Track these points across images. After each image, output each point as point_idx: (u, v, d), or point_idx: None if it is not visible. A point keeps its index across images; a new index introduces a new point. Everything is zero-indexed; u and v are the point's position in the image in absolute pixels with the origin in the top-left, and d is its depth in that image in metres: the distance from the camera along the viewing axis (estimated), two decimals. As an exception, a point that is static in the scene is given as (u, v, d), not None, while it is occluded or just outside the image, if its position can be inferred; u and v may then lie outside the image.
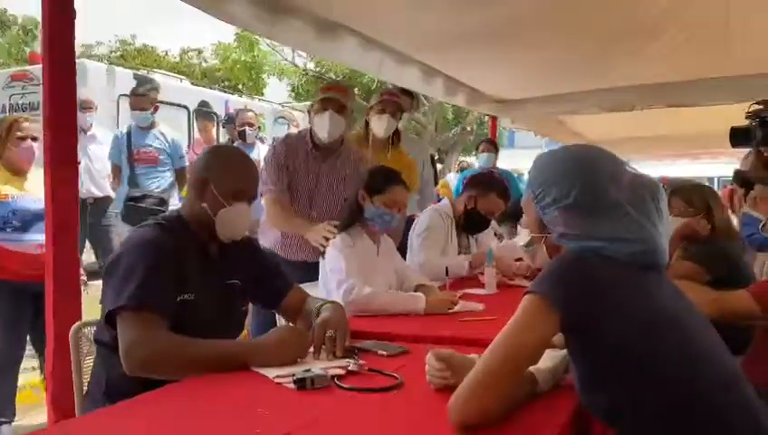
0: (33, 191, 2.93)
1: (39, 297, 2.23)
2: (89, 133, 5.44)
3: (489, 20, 3.43)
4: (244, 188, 1.86)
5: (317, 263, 2.57)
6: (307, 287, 2.69)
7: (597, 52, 4.20)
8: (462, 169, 9.48)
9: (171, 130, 5.25)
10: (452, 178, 9.18)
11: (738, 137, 3.09)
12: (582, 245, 1.25)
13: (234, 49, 12.18)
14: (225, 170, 1.85)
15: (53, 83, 2.09)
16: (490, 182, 3.33)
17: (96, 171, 5.41)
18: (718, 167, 13.44)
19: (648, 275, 1.24)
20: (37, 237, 2.85)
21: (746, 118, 3.14)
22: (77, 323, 1.90)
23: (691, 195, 2.60)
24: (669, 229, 1.29)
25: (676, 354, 1.17)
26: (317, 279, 2.54)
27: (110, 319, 1.67)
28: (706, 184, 3.71)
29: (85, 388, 1.86)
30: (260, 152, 5.15)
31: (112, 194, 5.29)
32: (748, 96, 4.81)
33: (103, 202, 5.37)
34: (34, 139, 3.02)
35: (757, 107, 3.08)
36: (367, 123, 3.55)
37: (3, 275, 2.98)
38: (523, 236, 1.27)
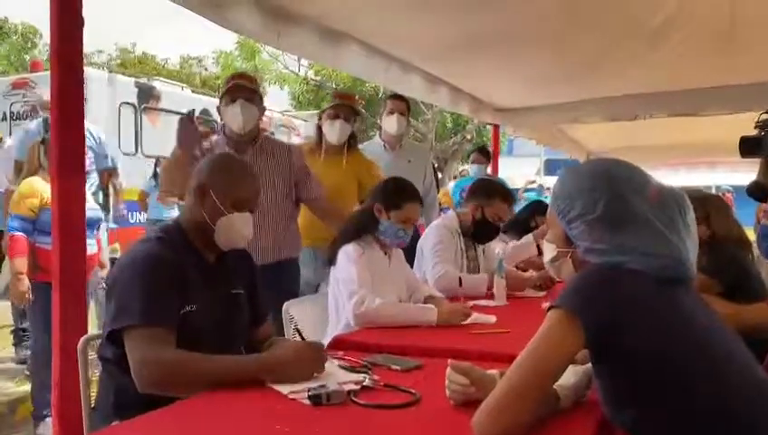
0: None
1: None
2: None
3: (491, 30, 3.43)
4: (244, 197, 1.85)
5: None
6: (306, 301, 2.69)
7: (599, 60, 4.20)
8: (462, 178, 9.46)
9: (97, 127, 4.91)
10: (453, 186, 9.18)
11: (748, 146, 3.06)
12: (608, 259, 1.24)
13: (234, 57, 12.20)
14: (226, 179, 1.83)
15: (61, 91, 2.06)
16: (492, 188, 3.31)
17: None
18: (717, 176, 13.47)
19: (675, 288, 1.22)
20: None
21: (755, 127, 3.11)
22: (85, 337, 1.87)
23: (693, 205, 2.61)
24: (696, 242, 1.27)
25: (705, 369, 1.15)
26: None
27: (112, 335, 1.65)
28: (710, 193, 3.71)
29: (93, 401, 1.84)
30: None
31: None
32: (750, 105, 4.85)
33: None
34: None
35: (766, 116, 3.06)
36: (319, 129, 3.37)
37: (46, 277, 2.97)
38: (548, 250, 1.24)
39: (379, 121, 3.55)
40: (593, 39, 3.73)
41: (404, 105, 3.89)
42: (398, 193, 2.54)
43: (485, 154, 5.64)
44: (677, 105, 5.30)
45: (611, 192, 1.25)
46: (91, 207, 3.61)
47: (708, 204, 2.64)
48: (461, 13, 3.18)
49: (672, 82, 4.85)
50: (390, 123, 3.71)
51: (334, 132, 3.28)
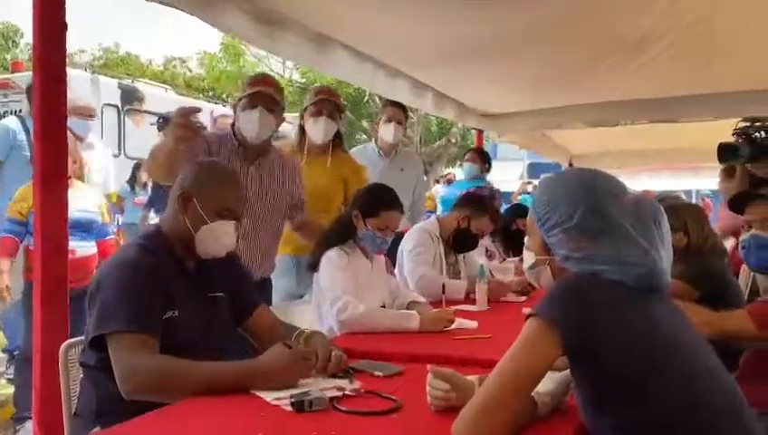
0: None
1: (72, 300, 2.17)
2: (86, 142, 5.15)
3: (476, 37, 3.47)
4: (229, 206, 1.84)
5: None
6: (297, 305, 2.69)
7: (583, 69, 4.26)
8: (449, 182, 9.48)
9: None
10: (438, 190, 9.21)
11: (726, 153, 3.13)
12: (585, 268, 1.26)
13: (219, 59, 12.14)
14: (210, 187, 1.83)
15: (44, 98, 2.06)
16: (484, 204, 3.35)
17: (93, 181, 5.29)
18: (697, 181, 13.67)
19: (650, 297, 1.25)
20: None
21: (733, 134, 3.18)
22: (66, 342, 1.87)
23: (669, 215, 2.65)
24: (671, 251, 1.30)
25: (679, 378, 1.18)
26: None
27: (95, 341, 1.65)
28: (688, 201, 3.78)
29: (74, 407, 1.83)
30: None
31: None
32: (729, 113, 4.97)
33: None
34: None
35: (744, 124, 3.13)
36: (302, 128, 3.16)
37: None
38: (527, 257, 1.26)
39: (365, 125, 3.49)
40: (578, 49, 3.79)
41: (402, 114, 3.89)
42: (377, 201, 2.54)
43: (482, 156, 5.48)
44: (658, 112, 5.39)
45: (589, 202, 1.28)
46: (87, 210, 3.62)
47: (685, 212, 2.68)
48: (448, 22, 3.21)
49: (653, 90, 4.94)
50: (387, 131, 3.70)
51: (318, 130, 3.05)
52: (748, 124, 3.13)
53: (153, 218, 5.41)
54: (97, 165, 5.24)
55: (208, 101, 11.03)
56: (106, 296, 1.66)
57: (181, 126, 2.12)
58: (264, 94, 2.54)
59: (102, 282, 1.69)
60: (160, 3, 2.48)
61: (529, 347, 1.19)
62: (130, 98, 8.22)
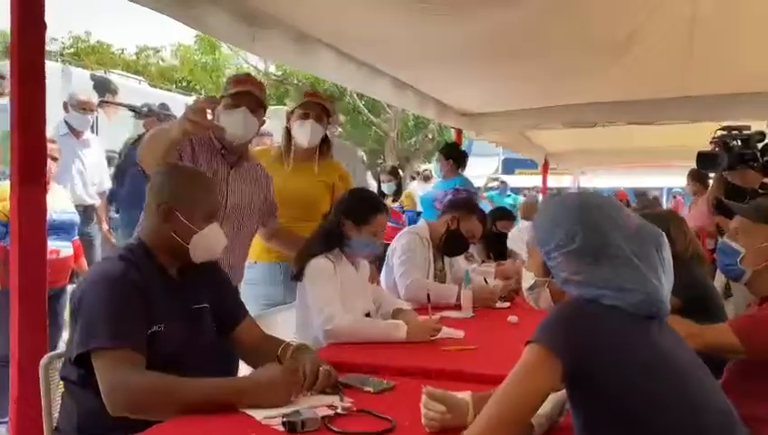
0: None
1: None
2: (82, 138, 5.06)
3: (457, 39, 3.48)
4: (211, 209, 1.84)
5: None
6: (277, 312, 2.65)
7: (562, 71, 4.30)
8: (426, 178, 9.45)
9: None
10: (415, 187, 9.17)
11: (705, 161, 3.18)
12: (585, 292, 1.26)
13: (194, 51, 11.95)
14: (189, 196, 1.81)
15: (22, 103, 2.01)
16: (473, 205, 3.35)
17: (88, 178, 5.17)
18: (669, 178, 13.96)
19: (649, 324, 1.25)
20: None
21: (711, 142, 3.22)
22: (47, 356, 1.82)
23: (653, 223, 2.68)
24: (672, 278, 1.30)
25: (677, 404, 1.19)
26: None
27: (78, 357, 1.62)
28: (668, 208, 3.83)
29: (55, 423, 1.78)
30: None
31: (97, 202, 5.06)
32: (704, 117, 5.10)
33: (90, 210, 5.16)
34: (54, 159, 3.23)
35: (722, 132, 3.17)
36: (288, 131, 3.01)
37: None
38: (527, 278, 1.25)
39: (342, 119, 3.26)
40: (558, 52, 3.82)
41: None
42: (367, 207, 2.51)
43: (447, 153, 5.25)
44: (636, 114, 5.48)
45: (590, 226, 1.28)
46: (68, 211, 3.55)
47: (668, 220, 2.70)
48: (431, 25, 3.21)
49: (631, 93, 5.00)
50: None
51: (304, 134, 2.92)
52: (725, 133, 3.18)
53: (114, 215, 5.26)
54: (93, 162, 5.08)
55: (184, 94, 10.86)
56: (89, 313, 1.62)
57: (194, 123, 2.00)
58: (248, 94, 2.44)
59: (84, 298, 1.66)
60: (138, 3, 2.43)
61: (529, 375, 1.19)
62: (103, 90, 8.00)
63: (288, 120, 3.00)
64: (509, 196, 11.75)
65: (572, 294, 1.29)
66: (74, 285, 3.84)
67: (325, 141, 3.00)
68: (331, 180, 2.92)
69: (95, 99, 5.35)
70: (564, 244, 1.28)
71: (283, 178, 2.84)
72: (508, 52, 3.82)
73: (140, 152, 2.16)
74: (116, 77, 8.63)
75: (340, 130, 3.57)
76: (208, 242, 1.82)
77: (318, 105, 2.93)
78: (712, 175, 4.24)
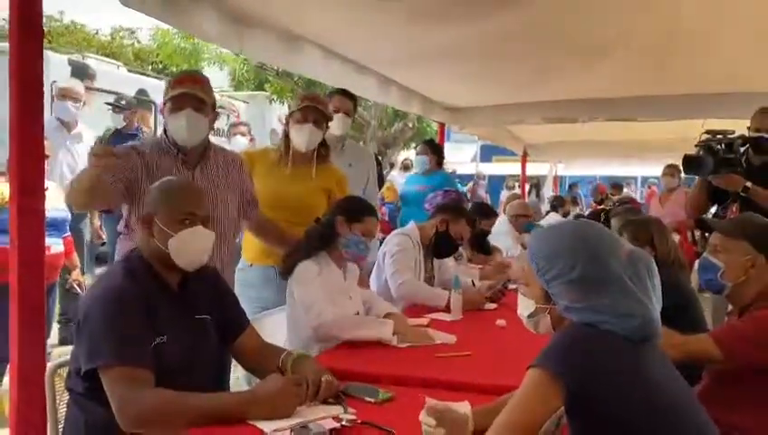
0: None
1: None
2: (74, 131, 4.92)
3: (441, 36, 3.53)
4: (186, 211, 1.83)
5: None
6: (274, 313, 2.69)
7: (546, 69, 4.39)
8: (406, 168, 9.46)
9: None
10: (396, 177, 9.18)
11: (691, 165, 3.26)
12: (585, 317, 1.32)
13: (172, 36, 11.74)
14: (165, 201, 1.84)
15: (22, 113, 2.01)
16: (462, 208, 3.43)
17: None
18: (644, 168, 14.26)
19: (644, 347, 1.32)
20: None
21: (696, 146, 3.31)
22: (52, 364, 1.84)
23: (637, 229, 2.78)
24: (661, 301, 1.37)
25: (671, 425, 1.26)
26: None
27: (86, 371, 1.65)
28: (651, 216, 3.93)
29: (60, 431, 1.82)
30: None
31: None
32: (682, 114, 5.24)
33: None
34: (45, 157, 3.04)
35: (707, 136, 3.26)
36: (286, 135, 2.99)
37: (4, 277, 2.88)
38: (527, 305, 1.31)
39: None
40: (542, 52, 3.90)
41: (350, 103, 3.52)
42: (358, 205, 2.60)
43: (433, 148, 5.33)
44: (616, 111, 5.61)
45: (589, 255, 1.34)
46: (58, 208, 3.52)
47: (651, 226, 2.79)
48: (412, 21, 3.25)
49: (612, 90, 5.11)
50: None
51: (302, 138, 2.89)
52: (710, 137, 3.26)
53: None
54: (82, 157, 4.98)
55: (162, 80, 10.69)
56: (94, 328, 1.66)
57: (98, 157, 2.03)
58: (189, 95, 2.31)
59: (89, 313, 1.68)
60: (125, 5, 2.42)
61: (531, 399, 1.25)
62: (81, 75, 7.85)
63: (287, 123, 3.00)
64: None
65: (572, 319, 1.35)
66: (69, 283, 3.87)
67: (323, 145, 3.00)
68: (329, 185, 2.94)
69: (80, 87, 5.19)
70: (564, 273, 1.34)
71: (281, 181, 2.88)
72: (494, 53, 3.90)
73: (68, 196, 2.21)
74: (94, 62, 8.46)
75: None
76: (185, 246, 1.80)
77: (317, 110, 2.92)
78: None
